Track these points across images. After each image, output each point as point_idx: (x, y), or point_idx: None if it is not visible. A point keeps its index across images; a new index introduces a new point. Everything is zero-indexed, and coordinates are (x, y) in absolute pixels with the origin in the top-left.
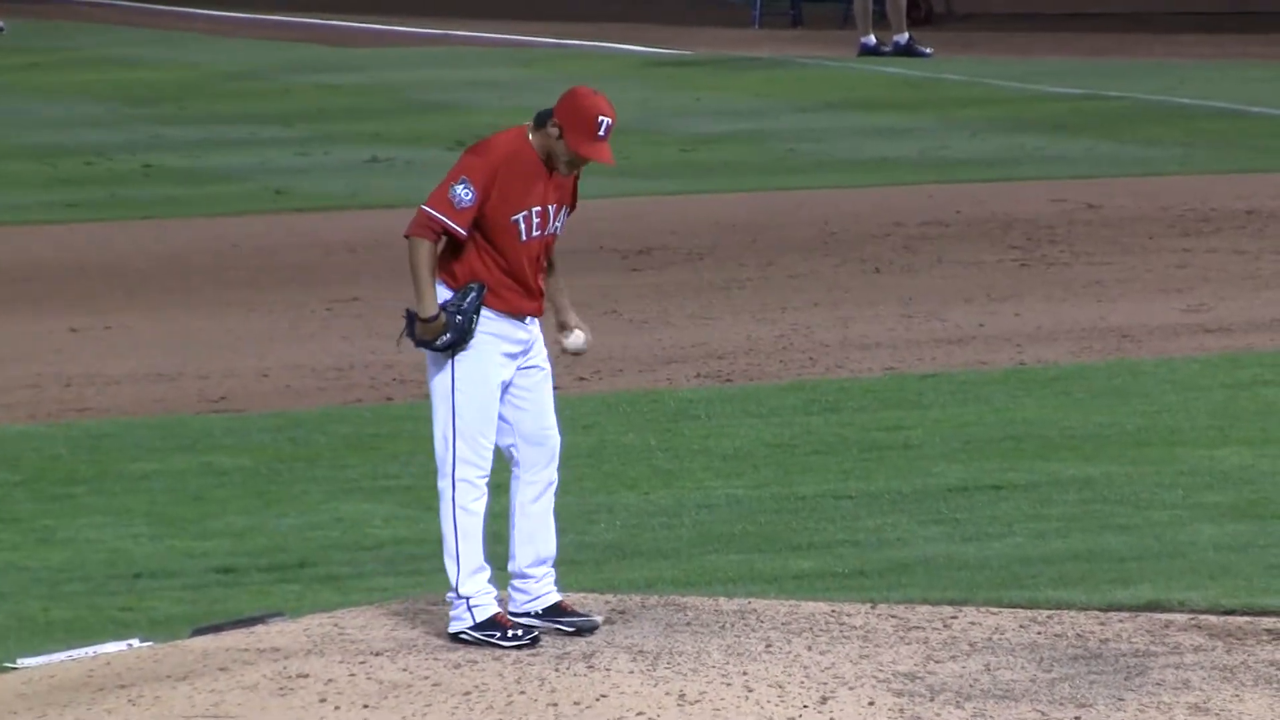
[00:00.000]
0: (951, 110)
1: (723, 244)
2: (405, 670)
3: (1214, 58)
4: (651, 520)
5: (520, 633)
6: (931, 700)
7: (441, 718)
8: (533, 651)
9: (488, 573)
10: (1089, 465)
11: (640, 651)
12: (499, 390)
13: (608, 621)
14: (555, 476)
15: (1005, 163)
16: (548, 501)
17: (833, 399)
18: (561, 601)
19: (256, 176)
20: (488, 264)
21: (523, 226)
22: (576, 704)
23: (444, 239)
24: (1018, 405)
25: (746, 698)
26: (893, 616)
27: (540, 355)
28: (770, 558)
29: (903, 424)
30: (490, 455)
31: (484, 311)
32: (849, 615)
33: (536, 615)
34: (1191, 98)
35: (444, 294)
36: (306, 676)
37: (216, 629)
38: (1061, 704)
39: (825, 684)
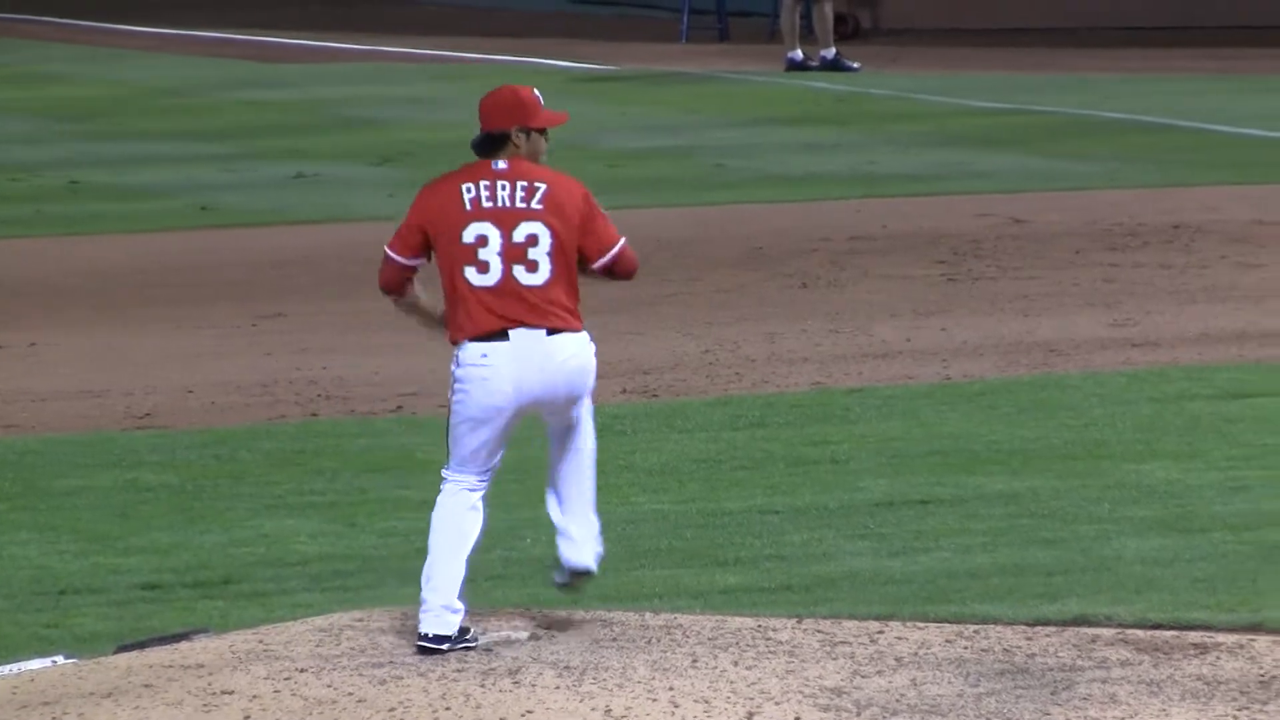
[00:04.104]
0: (879, 125)
1: (649, 259)
2: (330, 686)
3: (1142, 72)
4: None
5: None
6: (858, 715)
7: None
8: (458, 667)
9: None
10: (1015, 479)
11: (566, 667)
12: None
13: (533, 637)
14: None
15: (932, 177)
16: None
17: (759, 414)
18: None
19: (183, 193)
20: None
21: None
22: None
23: None
24: (944, 420)
25: (672, 713)
26: (819, 631)
27: None
28: (696, 573)
29: (829, 439)
30: None
31: None
32: (775, 630)
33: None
34: (1120, 112)
35: None
36: (231, 693)
37: (141, 646)
38: (988, 719)
39: (751, 699)
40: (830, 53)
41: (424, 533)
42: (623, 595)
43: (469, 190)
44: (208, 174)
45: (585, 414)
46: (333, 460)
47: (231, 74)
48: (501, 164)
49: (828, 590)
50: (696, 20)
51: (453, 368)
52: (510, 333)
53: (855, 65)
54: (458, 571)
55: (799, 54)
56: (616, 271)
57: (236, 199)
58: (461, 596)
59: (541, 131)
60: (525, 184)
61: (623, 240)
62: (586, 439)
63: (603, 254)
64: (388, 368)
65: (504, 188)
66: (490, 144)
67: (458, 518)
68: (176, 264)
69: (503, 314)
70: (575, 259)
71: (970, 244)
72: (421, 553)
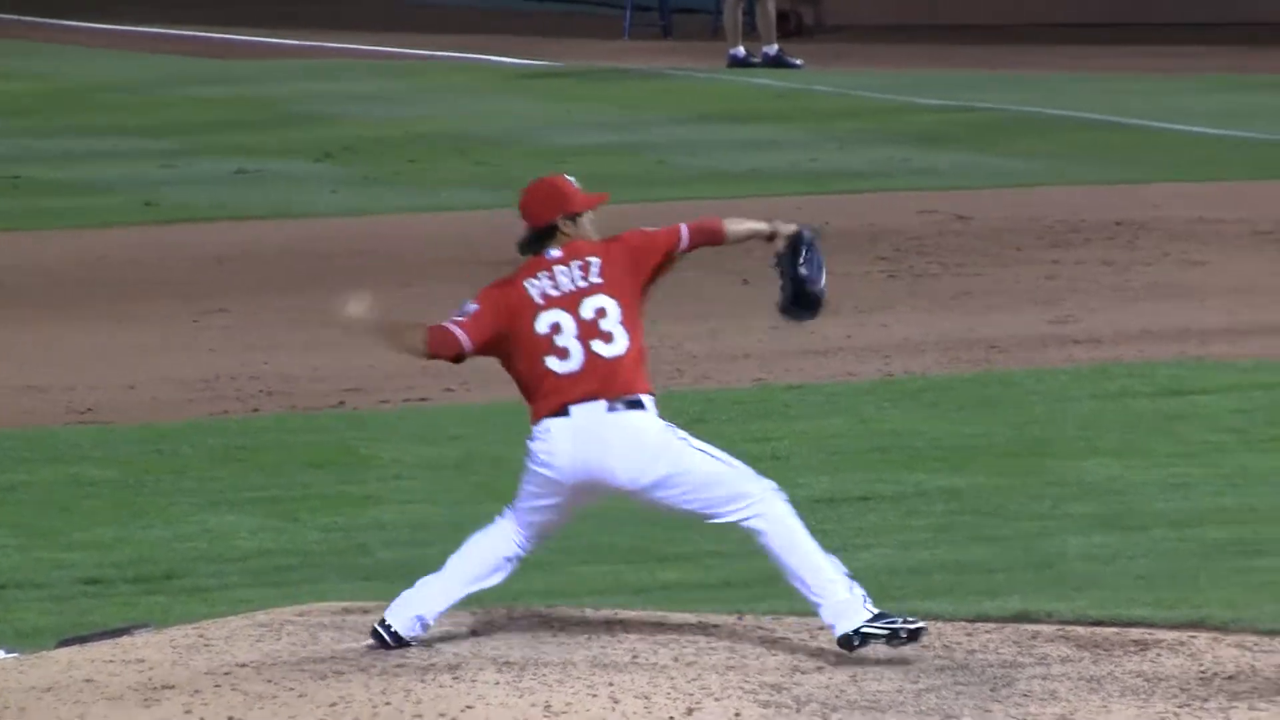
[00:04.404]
0: (821, 122)
1: None
2: (270, 681)
3: (1086, 69)
4: None
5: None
6: (798, 711)
7: None
8: (398, 662)
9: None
10: (956, 476)
11: (506, 662)
12: None
13: (474, 633)
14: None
15: (875, 174)
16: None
17: (700, 410)
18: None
19: (125, 188)
20: None
21: None
22: (442, 715)
23: None
24: (885, 416)
25: (613, 709)
26: (759, 628)
27: None
28: (637, 569)
29: (770, 435)
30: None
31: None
32: (715, 626)
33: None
34: (1063, 109)
35: None
36: (172, 688)
37: (83, 640)
38: (928, 715)
39: (691, 695)
40: (773, 49)
41: (366, 528)
42: (563, 591)
43: (533, 285)
44: (150, 170)
45: (726, 498)
46: (275, 456)
47: (175, 70)
48: (555, 252)
49: (768, 587)
50: (639, 17)
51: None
52: (571, 408)
53: (798, 62)
54: (455, 597)
55: (741, 51)
56: (702, 240)
57: (179, 195)
58: (436, 621)
59: (584, 213)
60: (580, 263)
61: (681, 224)
62: (757, 519)
63: (677, 243)
64: (330, 364)
65: (564, 273)
66: (540, 238)
67: (489, 559)
68: (119, 260)
69: (573, 391)
70: (642, 318)
71: (912, 241)
72: (363, 549)
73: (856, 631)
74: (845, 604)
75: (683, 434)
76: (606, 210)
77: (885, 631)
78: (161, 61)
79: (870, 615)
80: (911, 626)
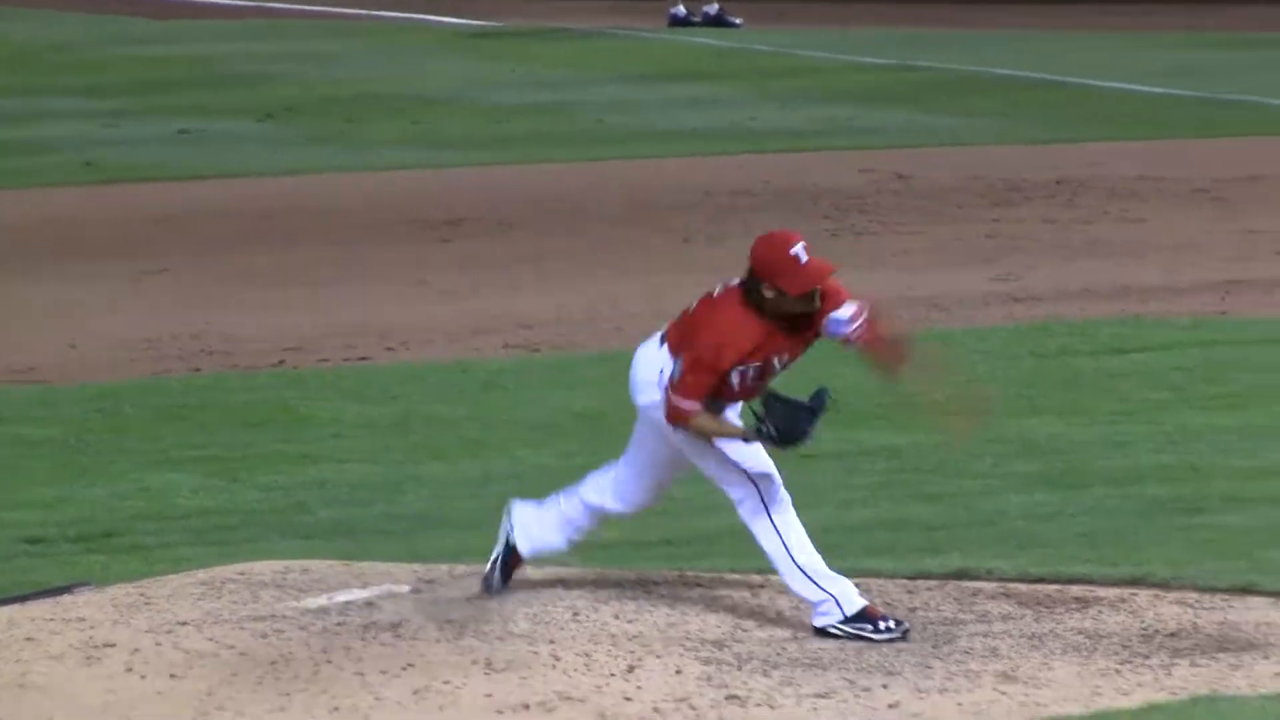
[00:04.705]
0: (762, 81)
1: (532, 215)
2: (211, 640)
3: (1027, 28)
4: (460, 490)
5: (893, 624)
6: (739, 669)
7: (248, 687)
8: (339, 620)
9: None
10: (897, 435)
11: (447, 620)
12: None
13: (415, 591)
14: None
15: (815, 133)
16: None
17: None
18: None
19: (67, 148)
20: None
21: (754, 371)
22: (383, 673)
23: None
24: (826, 374)
25: (554, 666)
26: (700, 585)
27: None
28: None
29: None
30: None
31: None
32: (656, 584)
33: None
34: (1004, 68)
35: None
36: (113, 646)
37: (23, 599)
38: (869, 672)
39: (633, 652)
40: (713, 8)
41: (306, 487)
42: None
43: None
44: (92, 130)
45: (717, 470)
46: (215, 415)
47: (116, 30)
48: None
49: (709, 545)
50: None
51: None
52: None
53: (738, 21)
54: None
55: (681, 9)
56: None
57: (121, 155)
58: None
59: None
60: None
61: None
62: (738, 506)
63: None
64: (270, 323)
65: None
66: (752, 288)
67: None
68: (61, 219)
69: None
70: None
71: (853, 200)
72: (303, 507)
73: (822, 629)
74: (817, 600)
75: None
76: (546, 171)
77: (852, 635)
78: (99, 21)
79: (842, 616)
80: (880, 638)
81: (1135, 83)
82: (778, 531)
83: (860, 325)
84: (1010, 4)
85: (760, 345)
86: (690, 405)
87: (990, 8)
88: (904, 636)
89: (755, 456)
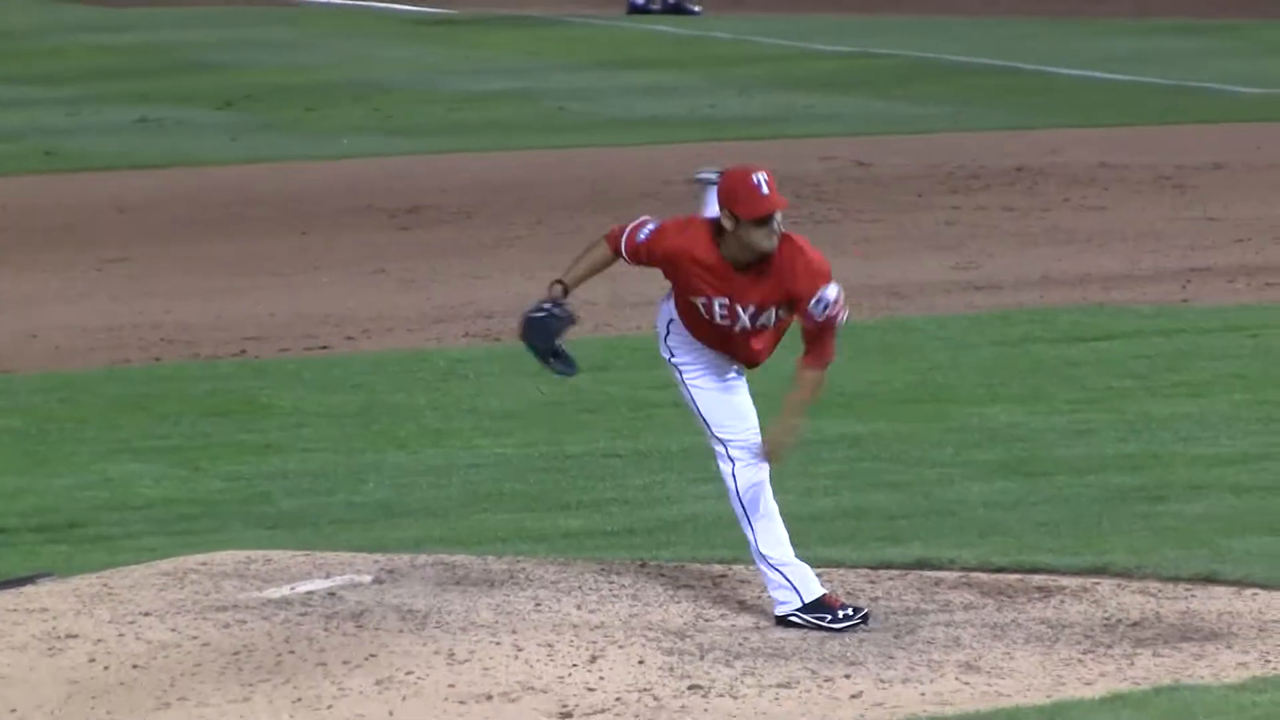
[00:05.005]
0: (720, 68)
1: (492, 202)
2: (174, 630)
3: (987, 14)
4: (421, 479)
5: (850, 611)
6: (701, 659)
7: (211, 677)
8: (302, 610)
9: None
10: (858, 423)
11: (409, 610)
12: (732, 382)
13: (377, 581)
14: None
15: (774, 120)
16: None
17: (601, 358)
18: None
19: (26, 137)
20: (694, 318)
21: (702, 308)
22: (346, 663)
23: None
24: (785, 363)
25: (516, 656)
26: (662, 575)
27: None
28: (540, 516)
29: (670, 382)
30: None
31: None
32: (618, 574)
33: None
34: (963, 55)
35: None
36: (76, 637)
37: None
38: (831, 662)
39: (595, 643)
40: None
41: (268, 477)
42: (466, 539)
43: None
44: (51, 118)
45: (711, 443)
46: (177, 404)
47: (73, 17)
48: None
49: (671, 534)
50: None
51: None
52: None
53: (696, 9)
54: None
55: None
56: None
57: (80, 143)
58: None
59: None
60: None
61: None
62: (723, 477)
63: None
64: (230, 312)
65: None
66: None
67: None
68: (20, 208)
69: None
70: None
71: (812, 187)
72: (266, 497)
73: (783, 618)
74: (778, 587)
75: (677, 363)
76: (505, 159)
77: (811, 624)
78: (56, 9)
79: (801, 604)
80: (837, 626)
81: (1092, 69)
82: (747, 515)
83: (837, 309)
84: None
85: (699, 261)
86: (614, 233)
87: None
88: (864, 620)
89: (731, 420)
